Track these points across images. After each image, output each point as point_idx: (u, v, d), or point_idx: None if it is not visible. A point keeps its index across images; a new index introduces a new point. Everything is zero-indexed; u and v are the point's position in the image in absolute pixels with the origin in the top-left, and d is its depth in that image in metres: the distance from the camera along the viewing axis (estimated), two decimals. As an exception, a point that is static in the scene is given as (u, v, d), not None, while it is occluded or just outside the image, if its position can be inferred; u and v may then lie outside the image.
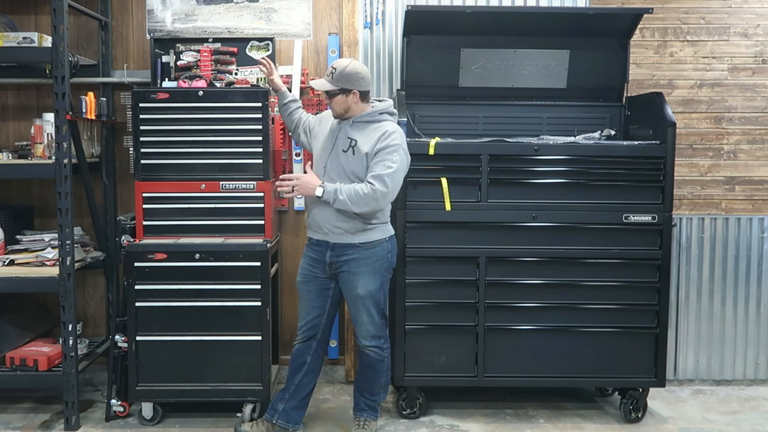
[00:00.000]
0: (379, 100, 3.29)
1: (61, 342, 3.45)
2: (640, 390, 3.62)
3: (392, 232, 3.30)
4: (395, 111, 3.29)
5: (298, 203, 4.18)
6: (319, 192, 3.10)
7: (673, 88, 4.22)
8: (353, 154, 3.15)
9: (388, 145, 3.10)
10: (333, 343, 4.18)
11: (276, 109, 3.77)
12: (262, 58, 3.53)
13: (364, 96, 3.19)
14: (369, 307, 3.24)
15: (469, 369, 3.59)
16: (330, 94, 3.19)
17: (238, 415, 3.47)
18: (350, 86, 3.14)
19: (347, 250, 3.20)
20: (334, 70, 3.15)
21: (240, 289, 3.43)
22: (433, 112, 3.95)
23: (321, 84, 3.20)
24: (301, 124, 3.49)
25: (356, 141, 3.16)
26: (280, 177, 3.23)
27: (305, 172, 3.22)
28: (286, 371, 3.39)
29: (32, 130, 3.72)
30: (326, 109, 4.10)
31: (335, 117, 3.26)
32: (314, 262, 3.29)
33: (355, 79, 3.14)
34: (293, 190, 3.16)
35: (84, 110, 3.62)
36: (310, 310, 3.33)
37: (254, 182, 3.50)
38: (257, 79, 3.91)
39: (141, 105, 3.46)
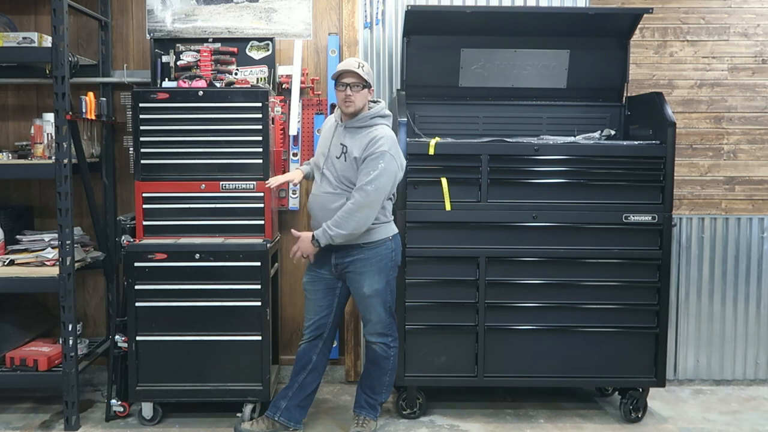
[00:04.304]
0: (374, 102, 3.29)
1: (61, 342, 3.45)
2: (640, 390, 3.62)
3: (396, 230, 3.31)
4: (388, 113, 3.29)
5: (293, 203, 4.17)
6: (315, 243, 3.15)
7: (673, 88, 4.22)
8: (345, 160, 3.18)
9: (373, 152, 3.10)
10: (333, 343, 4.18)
11: (276, 108, 3.77)
12: (269, 186, 3.44)
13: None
14: (376, 305, 3.26)
15: (469, 369, 3.59)
16: (363, 86, 3.17)
17: (238, 415, 3.47)
18: (371, 83, 3.22)
19: (351, 251, 3.21)
20: (362, 65, 3.18)
21: (240, 289, 3.43)
22: (433, 112, 3.95)
23: (357, 75, 3.14)
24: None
25: (347, 147, 3.18)
26: (291, 254, 3.26)
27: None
28: (287, 371, 3.39)
29: (32, 130, 3.73)
30: (325, 109, 4.13)
31: (350, 114, 3.19)
32: (320, 263, 3.30)
33: (372, 77, 3.24)
34: (303, 255, 3.23)
35: (84, 110, 3.62)
36: (318, 310, 3.35)
37: (254, 182, 3.50)
38: (257, 79, 3.92)
39: (141, 105, 3.45)
